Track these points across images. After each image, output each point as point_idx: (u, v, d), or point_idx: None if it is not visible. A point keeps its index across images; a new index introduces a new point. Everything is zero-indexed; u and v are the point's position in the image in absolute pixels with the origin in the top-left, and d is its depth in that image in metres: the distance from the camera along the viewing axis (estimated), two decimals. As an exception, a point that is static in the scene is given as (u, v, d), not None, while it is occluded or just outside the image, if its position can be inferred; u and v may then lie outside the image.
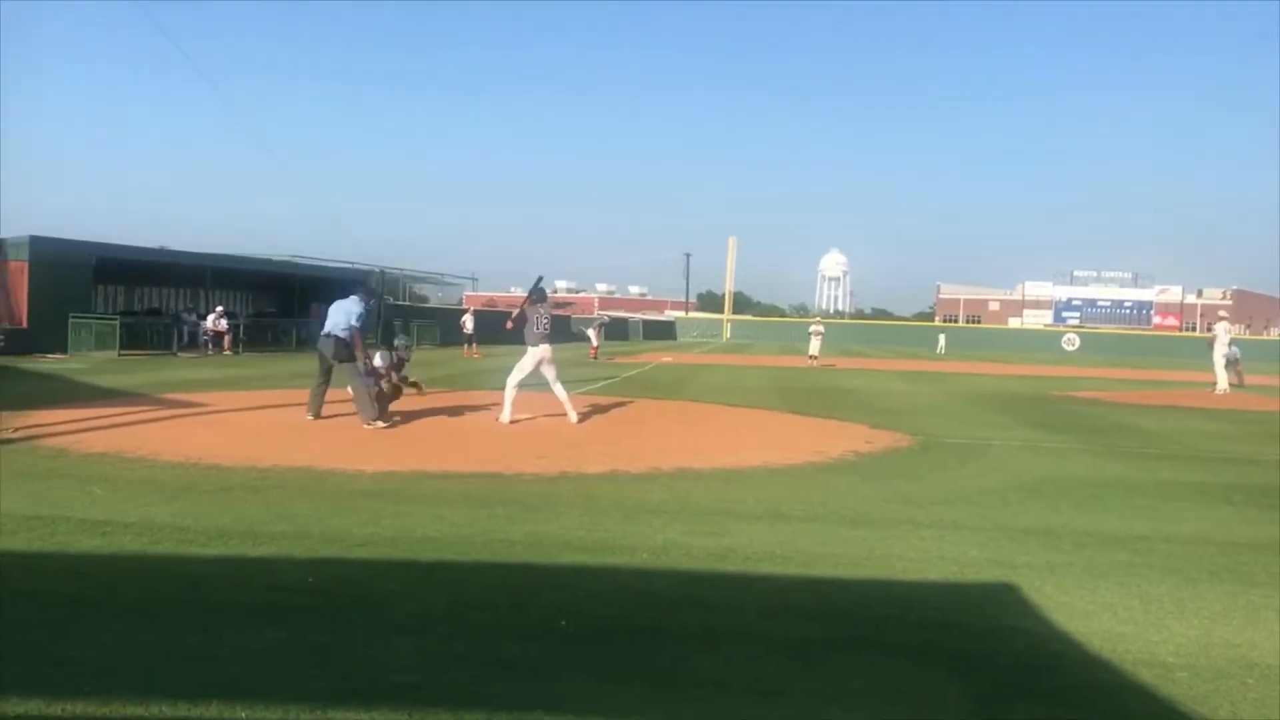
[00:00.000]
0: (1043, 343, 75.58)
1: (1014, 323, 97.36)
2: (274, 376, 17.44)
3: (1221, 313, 25.42)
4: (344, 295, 10.35)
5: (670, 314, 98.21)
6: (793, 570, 4.56)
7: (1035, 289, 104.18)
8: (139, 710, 2.74)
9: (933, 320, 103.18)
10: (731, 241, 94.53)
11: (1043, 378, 26.83)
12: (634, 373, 22.54)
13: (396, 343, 11.50)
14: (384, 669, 3.13)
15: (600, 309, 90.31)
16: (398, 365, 11.04)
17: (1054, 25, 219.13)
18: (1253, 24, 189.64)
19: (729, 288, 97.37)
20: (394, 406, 10.54)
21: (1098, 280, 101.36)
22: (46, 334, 22.11)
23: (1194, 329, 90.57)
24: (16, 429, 8.59)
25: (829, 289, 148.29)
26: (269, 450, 7.81)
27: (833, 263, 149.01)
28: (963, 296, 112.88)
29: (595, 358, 29.51)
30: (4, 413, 9.68)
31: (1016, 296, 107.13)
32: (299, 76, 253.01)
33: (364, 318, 10.22)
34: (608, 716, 2.94)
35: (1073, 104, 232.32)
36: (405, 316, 35.75)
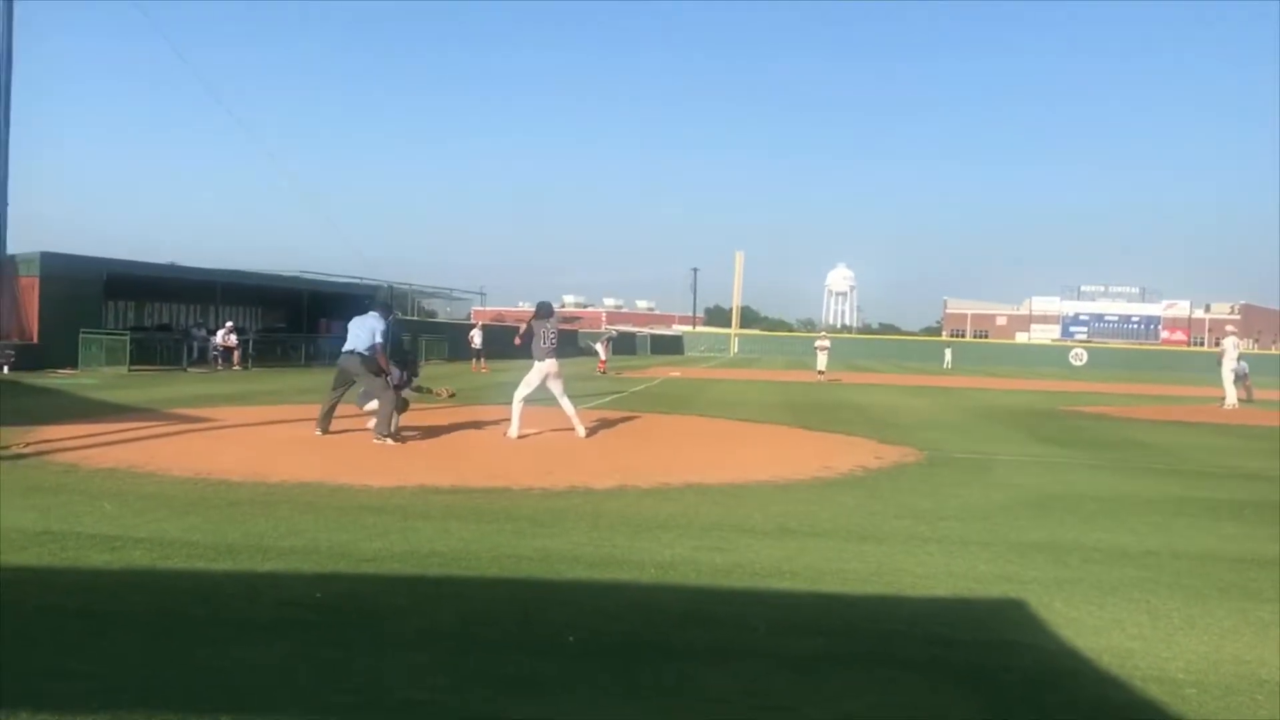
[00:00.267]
0: (1050, 357, 75.48)
1: (1021, 337, 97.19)
2: (283, 392, 17.52)
3: (1230, 328, 25.38)
4: (360, 312, 10.49)
5: (678, 328, 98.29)
6: (801, 586, 4.55)
7: (1042, 304, 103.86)
8: (149, 725, 2.75)
9: (940, 335, 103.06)
10: (739, 256, 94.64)
11: (1050, 393, 26.77)
12: (642, 387, 22.57)
13: (409, 356, 11.60)
14: (392, 684, 3.14)
15: (608, 323, 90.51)
16: (406, 381, 11.08)
17: (1061, 34, 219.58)
18: (1259, 35, 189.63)
19: (736, 302, 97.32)
20: (405, 420, 10.59)
21: (1105, 295, 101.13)
22: (57, 349, 22.26)
23: (1202, 344, 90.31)
24: (27, 444, 8.64)
25: (836, 304, 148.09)
26: (278, 465, 7.84)
27: (840, 278, 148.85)
28: (970, 311, 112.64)
29: (604, 372, 29.59)
30: (15, 427, 9.74)
31: (1024, 311, 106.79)
32: (305, 88, 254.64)
33: (388, 333, 10.39)
34: (615, 732, 2.94)
35: (1082, 117, 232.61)
36: (414, 331, 35.91)
